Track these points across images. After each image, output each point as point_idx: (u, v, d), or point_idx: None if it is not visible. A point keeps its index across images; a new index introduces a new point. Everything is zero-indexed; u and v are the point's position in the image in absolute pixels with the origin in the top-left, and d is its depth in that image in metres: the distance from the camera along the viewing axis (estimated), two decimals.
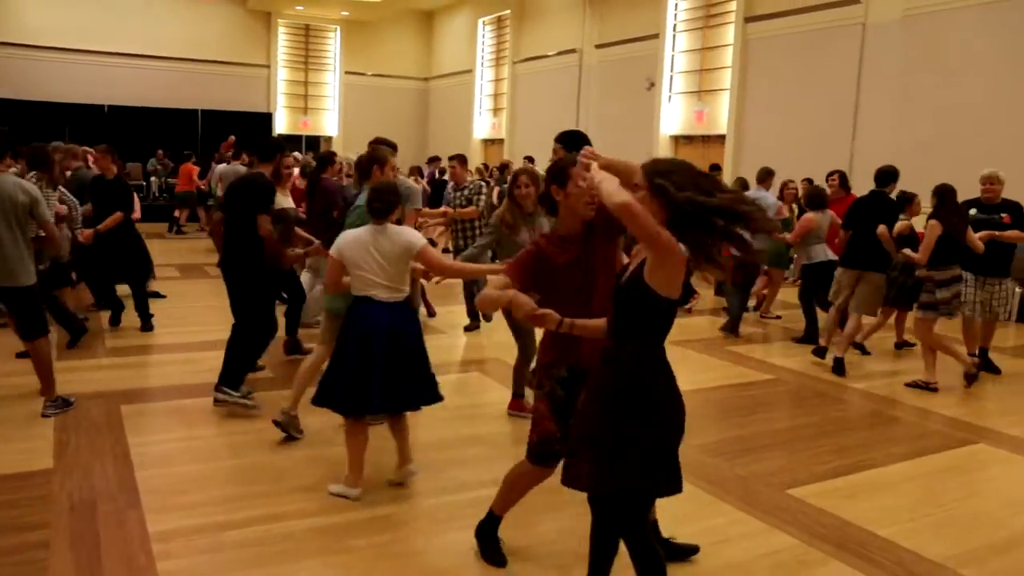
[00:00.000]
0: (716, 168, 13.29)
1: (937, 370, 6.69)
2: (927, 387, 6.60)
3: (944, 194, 6.77)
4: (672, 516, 4.08)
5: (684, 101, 16.22)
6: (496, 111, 22.18)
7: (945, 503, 4.48)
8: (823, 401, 6.44)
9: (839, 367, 7.05)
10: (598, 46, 17.95)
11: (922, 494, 4.59)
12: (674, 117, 16.42)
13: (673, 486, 2.75)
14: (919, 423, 5.91)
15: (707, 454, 5.06)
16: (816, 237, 8.13)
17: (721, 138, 15.18)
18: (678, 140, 16.51)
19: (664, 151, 16.25)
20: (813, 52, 13.24)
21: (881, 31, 12.20)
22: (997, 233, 6.86)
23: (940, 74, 11.39)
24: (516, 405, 5.58)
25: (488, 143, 22.71)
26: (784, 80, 13.79)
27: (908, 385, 6.72)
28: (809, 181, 10.87)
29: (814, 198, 8.34)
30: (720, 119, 15.23)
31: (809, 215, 8.17)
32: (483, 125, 22.86)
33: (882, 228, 6.98)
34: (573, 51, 18.58)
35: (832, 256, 7.94)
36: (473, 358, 7.37)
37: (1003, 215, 6.99)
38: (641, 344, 2.68)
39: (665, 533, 3.73)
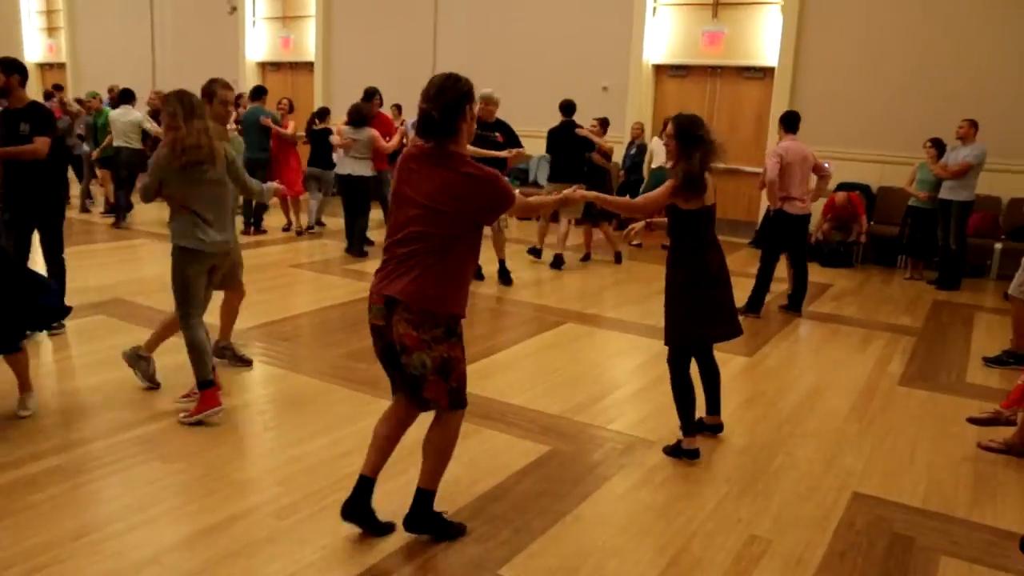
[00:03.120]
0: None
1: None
2: None
3: None
4: (337, 416, 4.55)
5: (269, 27, 15.96)
6: (51, 31, 19.56)
7: (554, 371, 5.53)
8: None
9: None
10: None
11: (536, 367, 5.61)
12: (259, 43, 16.11)
13: None
14: (522, 312, 7.03)
15: (355, 360, 5.53)
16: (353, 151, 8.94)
17: (310, 65, 15.31)
18: (265, 67, 16.27)
19: (251, 78, 15.91)
20: None
21: None
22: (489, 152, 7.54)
23: (501, 10, 12.80)
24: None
25: (46, 67, 20.02)
26: (369, 8, 14.30)
27: None
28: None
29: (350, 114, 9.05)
30: (307, 46, 15.32)
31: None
32: (36, 46, 20.02)
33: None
34: None
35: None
36: (94, 301, 6.90)
37: (497, 133, 7.73)
38: None
39: (335, 433, 4.16)
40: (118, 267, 8.29)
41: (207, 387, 4.39)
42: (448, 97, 3.00)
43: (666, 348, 4.22)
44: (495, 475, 3.91)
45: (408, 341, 3.02)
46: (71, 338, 5.80)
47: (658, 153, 10.58)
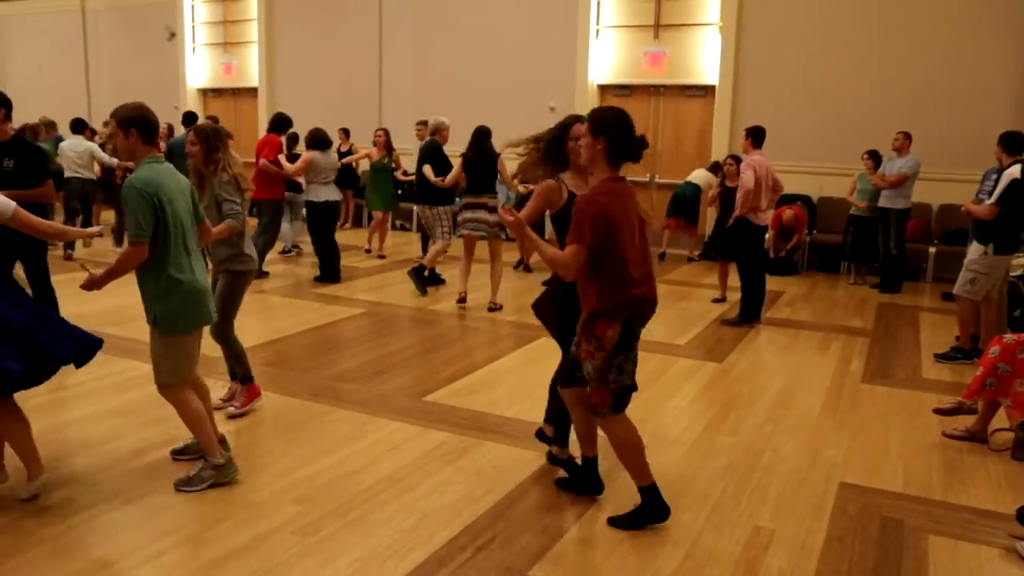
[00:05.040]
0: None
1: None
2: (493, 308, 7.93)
3: (478, 135, 7.94)
4: (338, 437, 4.65)
5: (210, 53, 15.86)
6: None
7: (540, 384, 5.64)
8: (416, 324, 7.41)
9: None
10: None
11: (521, 380, 5.77)
12: (200, 69, 15.99)
13: None
14: (494, 330, 7.19)
15: (343, 381, 5.63)
16: (322, 176, 8.97)
17: (253, 91, 15.27)
18: (207, 93, 16.15)
19: (192, 104, 15.78)
20: (338, 8, 14.00)
21: None
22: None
23: (446, 34, 13.02)
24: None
25: None
26: (313, 34, 14.34)
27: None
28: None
29: (317, 139, 9.02)
30: (250, 72, 15.27)
31: (308, 154, 8.97)
32: None
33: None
34: None
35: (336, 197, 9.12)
36: None
37: None
38: None
39: (340, 453, 4.28)
40: (80, 298, 8.14)
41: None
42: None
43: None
44: (504, 484, 4.06)
45: None
46: None
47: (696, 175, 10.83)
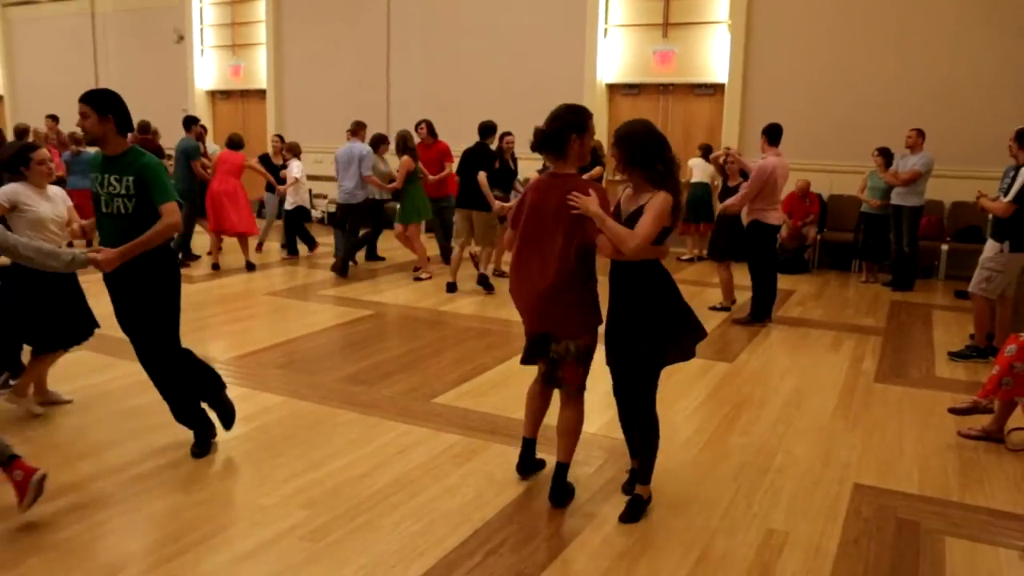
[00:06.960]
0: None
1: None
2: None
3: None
4: (347, 439, 4.61)
5: (218, 55, 15.88)
6: None
7: None
8: (424, 326, 7.38)
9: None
10: None
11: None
12: (208, 72, 16.01)
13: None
14: (505, 331, 7.15)
15: (351, 384, 5.60)
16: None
17: (261, 93, 15.28)
18: (215, 95, 16.17)
19: (201, 106, 15.85)
20: (346, 10, 13.99)
21: None
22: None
23: (454, 35, 13.00)
24: None
25: None
26: (321, 37, 14.34)
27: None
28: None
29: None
30: (258, 74, 15.28)
31: None
32: None
33: (481, 175, 8.37)
34: None
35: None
36: None
37: None
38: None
39: (349, 456, 4.23)
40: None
41: None
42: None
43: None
44: (514, 487, 4.03)
45: None
46: (56, 374, 5.69)
47: (696, 167, 10.85)
